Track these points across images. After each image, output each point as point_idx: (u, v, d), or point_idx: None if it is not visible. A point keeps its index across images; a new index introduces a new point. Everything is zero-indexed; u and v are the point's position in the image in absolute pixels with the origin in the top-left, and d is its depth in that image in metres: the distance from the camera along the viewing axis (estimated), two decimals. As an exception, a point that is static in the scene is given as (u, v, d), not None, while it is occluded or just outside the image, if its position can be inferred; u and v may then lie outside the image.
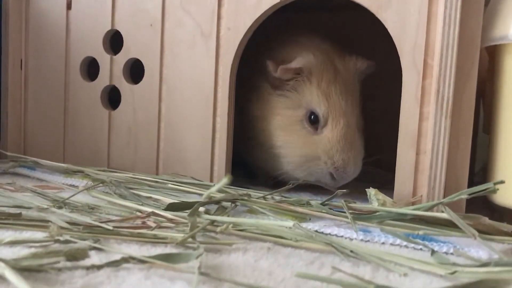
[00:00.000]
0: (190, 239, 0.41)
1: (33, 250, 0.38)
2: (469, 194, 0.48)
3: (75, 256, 0.36)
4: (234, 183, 0.70)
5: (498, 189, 0.46)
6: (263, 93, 0.70)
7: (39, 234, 0.43)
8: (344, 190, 0.56)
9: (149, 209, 0.50)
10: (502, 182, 0.46)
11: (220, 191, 0.61)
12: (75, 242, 0.40)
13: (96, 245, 0.40)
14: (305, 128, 0.66)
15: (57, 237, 0.40)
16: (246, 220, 0.49)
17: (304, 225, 0.50)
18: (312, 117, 0.66)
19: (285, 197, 0.58)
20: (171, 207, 0.51)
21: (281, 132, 0.67)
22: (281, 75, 0.67)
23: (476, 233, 0.43)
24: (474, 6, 0.55)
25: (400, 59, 0.58)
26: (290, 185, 0.60)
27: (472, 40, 0.55)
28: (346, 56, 0.70)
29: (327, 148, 0.65)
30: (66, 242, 0.40)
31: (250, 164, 0.80)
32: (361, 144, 0.68)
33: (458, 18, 0.53)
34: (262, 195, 0.57)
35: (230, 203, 0.54)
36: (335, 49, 0.70)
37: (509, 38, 0.54)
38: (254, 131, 0.71)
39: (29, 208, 0.51)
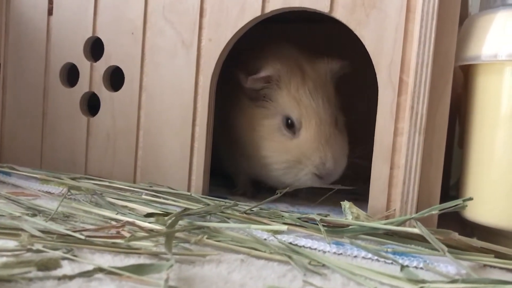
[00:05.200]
0: (164, 250, 0.41)
1: (4, 259, 0.38)
2: (440, 210, 0.49)
3: (47, 266, 0.36)
4: (212, 193, 0.70)
5: (467, 206, 0.47)
6: (242, 106, 0.71)
7: (11, 243, 0.42)
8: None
9: (125, 218, 0.50)
10: (470, 199, 0.47)
11: (198, 202, 0.61)
12: (47, 252, 0.40)
13: (68, 255, 0.40)
14: (284, 135, 0.68)
15: (29, 246, 0.40)
16: (225, 228, 0.49)
17: (279, 236, 0.50)
18: (289, 121, 0.68)
19: (262, 208, 0.59)
20: (148, 217, 0.51)
21: (264, 141, 0.69)
22: (251, 85, 0.69)
23: (445, 248, 0.44)
24: (449, 26, 0.56)
25: (377, 75, 0.59)
26: (278, 194, 0.61)
27: (446, 58, 0.56)
28: (317, 59, 0.72)
29: (304, 150, 0.66)
30: (38, 251, 0.40)
31: (230, 173, 0.80)
32: (341, 139, 0.70)
33: (433, 37, 0.55)
34: (247, 207, 0.57)
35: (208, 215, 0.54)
36: (303, 54, 0.72)
37: (481, 58, 0.55)
38: (239, 143, 0.72)
39: (2, 215, 0.51)
